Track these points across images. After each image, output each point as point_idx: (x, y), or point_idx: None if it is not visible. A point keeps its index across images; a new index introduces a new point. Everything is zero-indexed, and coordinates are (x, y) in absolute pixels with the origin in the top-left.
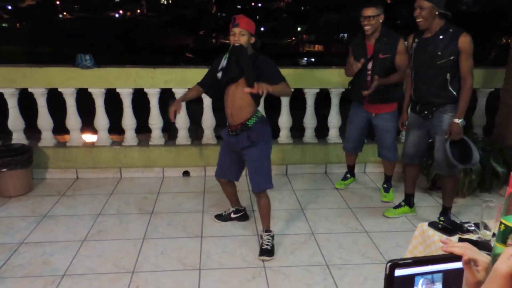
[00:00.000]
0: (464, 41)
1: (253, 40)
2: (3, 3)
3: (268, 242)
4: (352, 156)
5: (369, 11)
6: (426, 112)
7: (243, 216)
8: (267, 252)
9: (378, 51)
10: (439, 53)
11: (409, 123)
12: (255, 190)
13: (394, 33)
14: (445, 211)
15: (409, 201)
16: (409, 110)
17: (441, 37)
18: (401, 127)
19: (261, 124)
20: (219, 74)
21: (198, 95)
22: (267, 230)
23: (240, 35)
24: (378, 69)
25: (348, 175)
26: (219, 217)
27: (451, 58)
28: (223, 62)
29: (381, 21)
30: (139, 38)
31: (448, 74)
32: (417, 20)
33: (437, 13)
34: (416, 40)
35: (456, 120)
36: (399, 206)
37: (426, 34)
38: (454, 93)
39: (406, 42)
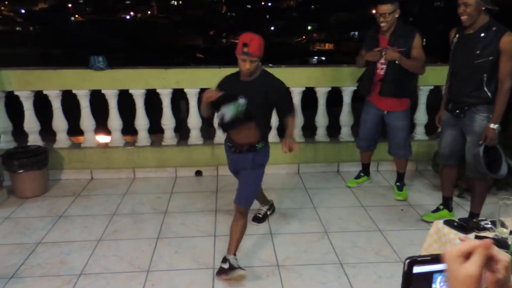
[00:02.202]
0: (507, 42)
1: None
2: (16, 7)
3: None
4: (367, 154)
5: (385, 8)
6: (458, 111)
7: (272, 208)
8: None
9: (392, 45)
10: (478, 51)
11: (444, 122)
12: (241, 204)
13: (409, 27)
14: (472, 218)
15: (447, 204)
16: None
17: (482, 34)
18: (437, 123)
19: (268, 148)
20: (226, 120)
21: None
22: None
23: (251, 62)
24: (393, 63)
25: (362, 174)
26: (258, 220)
27: (490, 58)
28: (228, 115)
29: (396, 16)
30: (150, 39)
31: (485, 75)
32: (462, 18)
33: (483, 8)
34: (457, 35)
35: (492, 125)
36: (437, 210)
37: (468, 30)
38: (489, 94)
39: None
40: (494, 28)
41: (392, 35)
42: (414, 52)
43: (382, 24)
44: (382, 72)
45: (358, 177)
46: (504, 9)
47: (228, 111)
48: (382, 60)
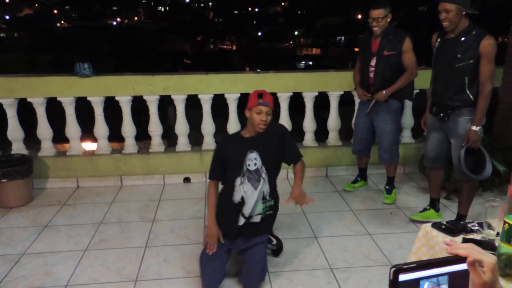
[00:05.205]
0: (486, 45)
1: None
2: (0, 12)
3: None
4: (363, 159)
5: (377, 13)
6: (442, 114)
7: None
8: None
9: (383, 48)
10: (459, 55)
11: (429, 125)
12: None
13: (401, 31)
14: (460, 219)
15: (434, 205)
16: None
17: (463, 38)
18: (423, 126)
19: None
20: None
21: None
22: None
23: (267, 114)
24: (383, 66)
25: (359, 178)
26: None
27: (471, 61)
28: (251, 201)
29: (389, 20)
30: (137, 45)
31: (467, 78)
32: (443, 24)
33: (464, 13)
34: (439, 40)
35: (474, 128)
36: (424, 210)
37: (449, 35)
38: (471, 97)
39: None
40: (474, 32)
41: (384, 39)
42: (404, 57)
43: (375, 29)
44: (372, 75)
45: (355, 181)
46: (484, 12)
47: (253, 200)
48: (372, 63)
